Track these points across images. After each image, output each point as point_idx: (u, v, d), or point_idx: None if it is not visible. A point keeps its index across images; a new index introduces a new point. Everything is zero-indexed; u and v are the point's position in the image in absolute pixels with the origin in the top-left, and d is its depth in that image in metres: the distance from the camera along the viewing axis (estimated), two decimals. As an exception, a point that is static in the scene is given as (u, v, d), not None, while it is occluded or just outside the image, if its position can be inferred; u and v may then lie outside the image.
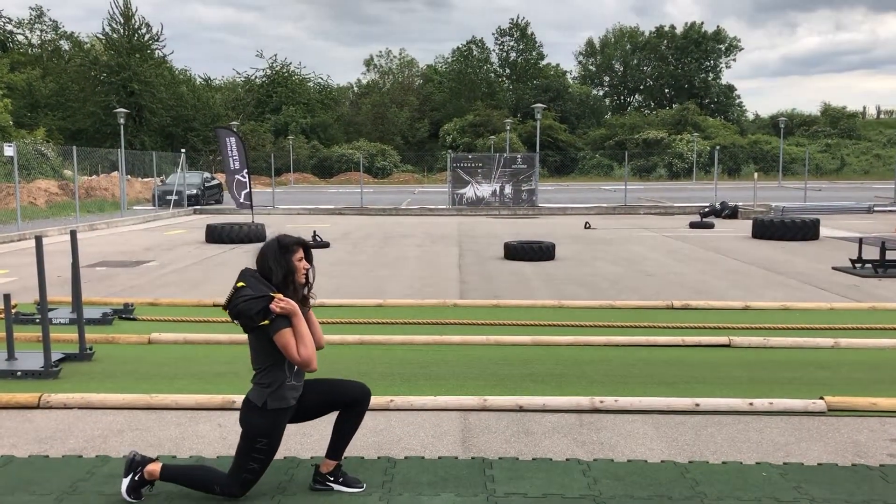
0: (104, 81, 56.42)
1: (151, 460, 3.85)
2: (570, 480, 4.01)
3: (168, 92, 58.02)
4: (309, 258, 3.77)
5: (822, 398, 5.26)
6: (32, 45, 68.42)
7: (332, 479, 3.92)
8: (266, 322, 3.54)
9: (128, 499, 3.76)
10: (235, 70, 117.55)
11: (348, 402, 3.89)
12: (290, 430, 4.83)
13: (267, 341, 3.62)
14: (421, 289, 10.51)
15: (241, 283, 3.65)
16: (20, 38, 68.21)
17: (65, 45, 68.03)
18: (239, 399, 5.25)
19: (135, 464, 3.81)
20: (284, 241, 3.72)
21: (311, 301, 3.84)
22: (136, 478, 3.78)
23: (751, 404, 5.20)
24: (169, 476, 3.78)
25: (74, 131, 54.37)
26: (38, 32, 68.84)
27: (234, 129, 20.13)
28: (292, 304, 3.60)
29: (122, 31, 56.86)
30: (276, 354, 3.63)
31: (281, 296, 3.59)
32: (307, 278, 3.76)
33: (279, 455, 4.41)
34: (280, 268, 3.66)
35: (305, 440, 4.66)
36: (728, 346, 7.00)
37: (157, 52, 59.56)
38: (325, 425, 4.91)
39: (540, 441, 4.65)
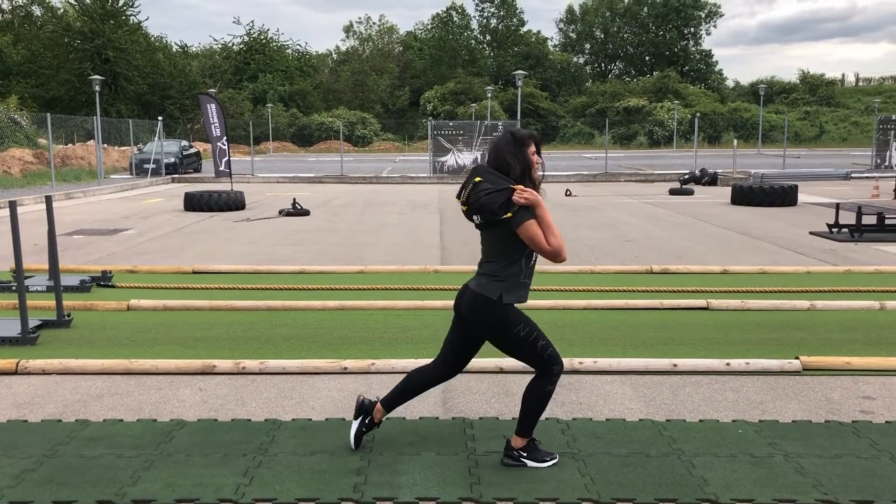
0: (78, 48, 55.27)
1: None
2: (549, 439, 4.05)
3: (144, 59, 56.97)
4: (539, 152, 3.64)
5: (797, 358, 5.34)
6: (3, 11, 66.80)
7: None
8: (509, 215, 3.44)
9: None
10: (212, 37, 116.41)
11: (452, 368, 3.94)
12: (272, 392, 4.85)
13: (507, 236, 3.51)
14: (402, 255, 10.50)
15: (478, 179, 3.54)
16: (-10, 3, 66.62)
17: (37, 10, 66.49)
18: (220, 364, 5.26)
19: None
20: (519, 135, 3.60)
21: (542, 197, 3.64)
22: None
23: (727, 364, 5.27)
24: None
25: (48, 99, 53.36)
26: (9, -2, 67.25)
27: (213, 96, 19.86)
28: (535, 195, 3.48)
29: (95, -4, 55.66)
30: (516, 249, 3.54)
31: (522, 187, 3.48)
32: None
33: (259, 417, 4.43)
34: (518, 162, 3.54)
35: (287, 403, 4.67)
36: (706, 308, 7.07)
37: (131, 18, 58.35)
38: (305, 388, 4.93)
39: (520, 402, 4.67)
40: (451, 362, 3.89)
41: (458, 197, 3.65)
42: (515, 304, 3.63)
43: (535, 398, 3.70)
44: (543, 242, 3.47)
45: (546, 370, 3.67)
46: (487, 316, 3.63)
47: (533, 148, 3.60)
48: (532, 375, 3.79)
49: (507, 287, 3.57)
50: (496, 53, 79.07)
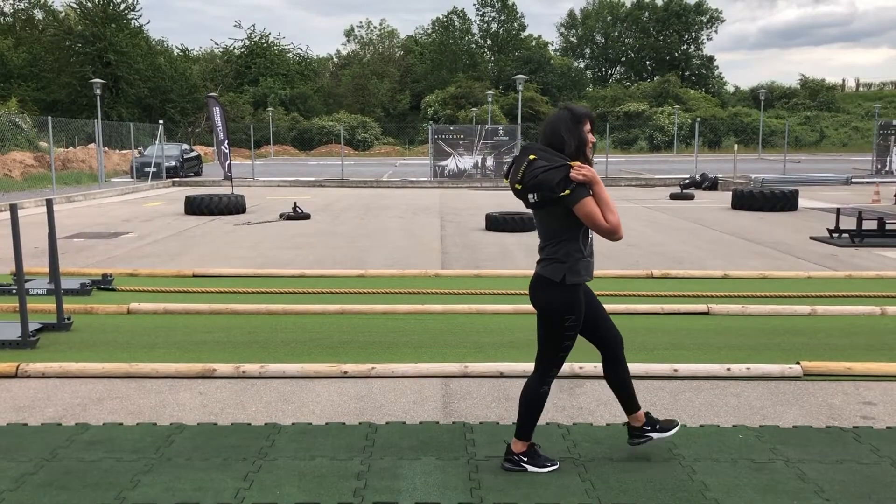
0: (79, 52, 55.35)
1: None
2: (549, 444, 4.04)
3: (145, 63, 57.03)
4: (594, 131, 3.60)
5: (798, 363, 5.34)
6: (5, 14, 66.94)
7: (648, 428, 3.92)
8: (567, 192, 3.39)
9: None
10: (213, 41, 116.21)
11: (608, 341, 3.82)
12: (272, 396, 4.85)
13: (565, 214, 3.47)
14: (402, 259, 10.50)
15: (532, 157, 3.50)
16: (-8, 6, 66.74)
17: (38, 14, 66.58)
18: (220, 367, 5.25)
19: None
20: (577, 111, 3.57)
21: None
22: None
23: (728, 370, 5.26)
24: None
25: (49, 102, 53.41)
26: (10, 1, 67.46)
27: (218, 100, 19.97)
28: (592, 172, 3.44)
29: (96, -1, 55.79)
30: (573, 228, 3.51)
31: (580, 163, 3.44)
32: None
33: (259, 421, 4.43)
34: (574, 138, 3.51)
35: (287, 407, 4.66)
36: (707, 313, 7.07)
37: (132, 21, 58.45)
38: (305, 392, 4.92)
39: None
40: (596, 342, 3.86)
41: (507, 177, 3.61)
42: (577, 296, 3.59)
43: (532, 399, 3.69)
44: (601, 220, 3.42)
45: (546, 371, 3.67)
46: (550, 295, 3.58)
47: (588, 126, 3.57)
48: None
49: (569, 268, 3.54)
50: (497, 58, 79.12)
